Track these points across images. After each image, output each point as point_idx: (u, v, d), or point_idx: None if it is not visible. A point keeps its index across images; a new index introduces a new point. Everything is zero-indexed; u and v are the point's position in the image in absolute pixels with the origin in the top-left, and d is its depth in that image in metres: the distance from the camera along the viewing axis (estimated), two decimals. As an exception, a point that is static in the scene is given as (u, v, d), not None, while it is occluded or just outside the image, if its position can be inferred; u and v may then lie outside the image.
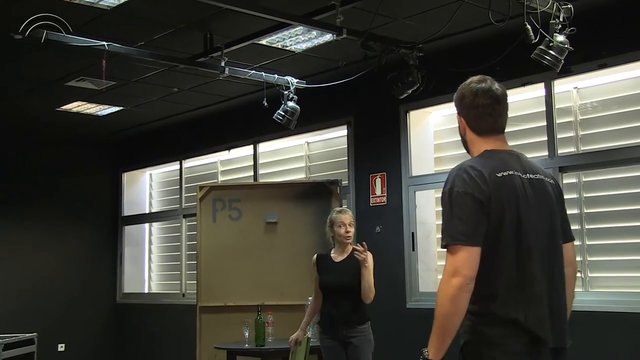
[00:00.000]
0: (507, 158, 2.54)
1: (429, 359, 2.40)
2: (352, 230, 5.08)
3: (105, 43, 5.39)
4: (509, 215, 2.42)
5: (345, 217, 5.08)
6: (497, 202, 2.41)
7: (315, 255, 5.30)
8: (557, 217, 2.58)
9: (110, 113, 8.59)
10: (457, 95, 2.65)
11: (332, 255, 5.16)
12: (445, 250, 2.44)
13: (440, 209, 7.52)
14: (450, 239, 2.40)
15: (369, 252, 4.93)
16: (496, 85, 2.59)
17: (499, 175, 2.45)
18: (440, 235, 6.98)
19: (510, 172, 2.47)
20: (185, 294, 9.21)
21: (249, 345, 5.75)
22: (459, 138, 7.79)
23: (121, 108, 8.38)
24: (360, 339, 4.89)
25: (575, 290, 5.74)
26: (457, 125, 2.69)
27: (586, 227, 5.73)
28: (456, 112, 2.67)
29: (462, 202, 2.41)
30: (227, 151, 8.83)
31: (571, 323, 5.79)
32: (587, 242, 5.71)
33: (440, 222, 7.47)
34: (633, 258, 5.51)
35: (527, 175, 2.51)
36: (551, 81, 5.83)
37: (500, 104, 2.56)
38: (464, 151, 7.53)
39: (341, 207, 5.64)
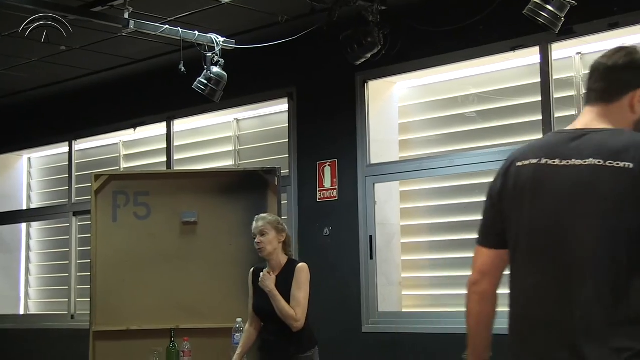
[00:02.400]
0: (551, 140, 2.63)
1: None
2: (263, 239, 5.20)
3: (-33, -16, 5.27)
4: (514, 216, 2.59)
5: (256, 226, 5.25)
6: (505, 199, 2.62)
7: (252, 270, 5.42)
8: (617, 217, 2.44)
9: (-26, 77, 8.43)
10: None
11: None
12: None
13: (406, 205, 7.55)
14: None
15: (301, 266, 5.20)
16: (611, 53, 2.65)
17: (518, 164, 2.60)
18: (406, 240, 7.07)
19: (533, 161, 2.56)
20: (75, 316, 9.13)
21: (158, 381, 5.74)
22: (431, 116, 7.87)
23: (-11, 71, 8.23)
24: None
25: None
26: None
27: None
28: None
29: (485, 196, 2.73)
30: (132, 130, 8.77)
31: None
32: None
33: (406, 222, 7.47)
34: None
35: (570, 161, 2.50)
36: (548, 45, 5.92)
37: (594, 72, 2.67)
38: (436, 133, 7.66)
39: (265, 214, 5.67)
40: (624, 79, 2.58)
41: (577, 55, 5.99)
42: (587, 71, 6.00)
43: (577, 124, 2.60)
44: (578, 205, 2.46)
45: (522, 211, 2.55)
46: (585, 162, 2.46)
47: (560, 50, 5.98)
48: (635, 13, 5.50)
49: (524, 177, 2.56)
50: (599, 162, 2.44)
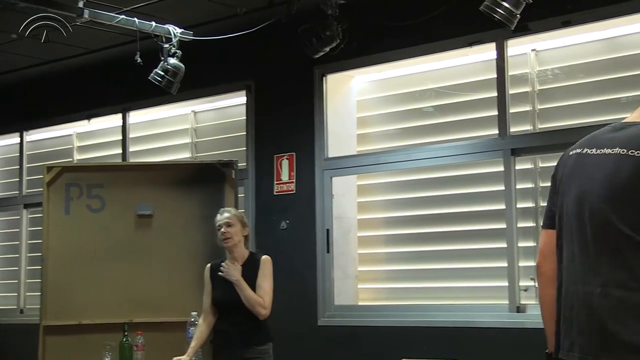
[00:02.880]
0: (599, 131, 2.89)
1: (547, 352, 2.94)
2: (230, 230, 5.43)
3: None
4: (561, 201, 2.87)
5: (222, 218, 5.46)
6: (560, 185, 2.89)
7: (209, 266, 5.61)
8: (623, 205, 2.66)
9: None
10: None
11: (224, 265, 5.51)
12: None
13: (363, 199, 7.63)
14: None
15: (266, 258, 5.47)
16: None
17: (570, 153, 2.90)
18: (362, 234, 7.16)
19: (578, 150, 2.87)
20: (25, 310, 9.15)
21: (111, 375, 5.80)
22: (389, 110, 7.98)
23: None
24: None
25: (525, 302, 6.04)
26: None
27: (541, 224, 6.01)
28: None
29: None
30: (86, 121, 8.80)
31: (523, 343, 6.02)
32: (542, 244, 6.01)
33: (363, 215, 7.54)
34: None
35: (603, 150, 2.77)
36: (504, 41, 6.11)
37: None
38: (394, 127, 7.74)
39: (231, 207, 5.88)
40: None
41: (532, 51, 6.16)
42: (542, 68, 6.21)
43: (627, 118, 2.85)
44: (599, 190, 2.70)
45: (565, 196, 2.83)
46: (612, 151, 2.71)
47: (516, 47, 6.16)
48: (587, 12, 5.71)
49: (569, 165, 2.85)
50: (623, 151, 2.66)
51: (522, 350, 5.82)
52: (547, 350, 2.92)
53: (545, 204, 6.09)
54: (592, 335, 2.63)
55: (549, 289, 2.86)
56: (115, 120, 8.57)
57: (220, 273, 5.42)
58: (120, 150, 8.49)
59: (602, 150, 2.74)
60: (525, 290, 5.98)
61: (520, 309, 5.96)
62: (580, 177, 2.78)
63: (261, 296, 5.35)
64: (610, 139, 2.74)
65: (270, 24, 6.19)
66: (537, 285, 2.94)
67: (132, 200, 6.72)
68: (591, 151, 2.78)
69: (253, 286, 5.37)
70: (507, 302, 6.02)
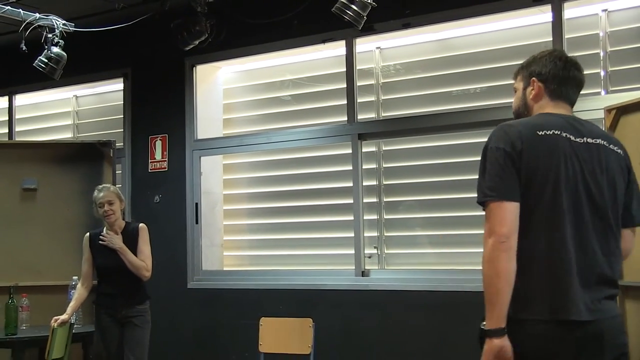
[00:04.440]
0: (559, 119, 2.77)
1: (484, 329, 2.56)
2: (112, 207, 5.40)
3: None
4: (544, 174, 2.63)
5: (102, 196, 5.40)
6: (531, 159, 2.63)
7: (87, 235, 5.53)
8: (618, 191, 2.75)
9: None
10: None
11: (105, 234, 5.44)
12: None
13: (228, 176, 7.61)
14: (482, 195, 2.63)
15: (143, 226, 5.48)
16: (580, 69, 2.93)
17: (540, 133, 2.68)
18: (227, 207, 7.11)
19: (556, 132, 2.70)
20: None
21: (-3, 334, 5.57)
22: (251, 98, 7.91)
23: None
24: (139, 319, 5.38)
25: (369, 268, 6.13)
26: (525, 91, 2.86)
27: (384, 200, 6.08)
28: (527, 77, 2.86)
29: (494, 158, 2.64)
30: (-27, 103, 8.39)
31: (367, 303, 6.11)
32: (385, 217, 6.07)
33: (228, 191, 7.53)
34: (429, 233, 5.93)
35: (584, 139, 2.73)
36: (353, 39, 6.12)
37: (572, 80, 2.90)
38: (257, 113, 7.70)
39: (107, 184, 5.87)
40: None
41: (377, 49, 6.18)
42: (385, 63, 6.19)
43: (561, 112, 2.80)
44: (614, 180, 2.73)
45: (557, 171, 2.63)
46: (596, 141, 2.74)
47: (363, 45, 6.16)
48: (423, 16, 5.77)
49: (549, 143, 2.66)
50: (605, 143, 2.76)
51: (365, 309, 5.90)
52: (483, 326, 2.57)
53: (387, 182, 6.17)
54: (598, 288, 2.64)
55: (512, 262, 2.53)
56: (2, 102, 8.24)
57: (102, 242, 5.34)
58: (7, 130, 8.19)
59: (582, 139, 2.72)
60: (369, 257, 6.03)
61: (364, 274, 6.00)
62: (590, 164, 2.69)
63: (143, 260, 5.36)
64: (588, 130, 2.76)
65: (145, 19, 6.03)
66: (493, 259, 2.51)
67: (18, 175, 6.58)
68: (570, 136, 2.70)
69: (134, 252, 5.35)
70: (353, 267, 6.05)
